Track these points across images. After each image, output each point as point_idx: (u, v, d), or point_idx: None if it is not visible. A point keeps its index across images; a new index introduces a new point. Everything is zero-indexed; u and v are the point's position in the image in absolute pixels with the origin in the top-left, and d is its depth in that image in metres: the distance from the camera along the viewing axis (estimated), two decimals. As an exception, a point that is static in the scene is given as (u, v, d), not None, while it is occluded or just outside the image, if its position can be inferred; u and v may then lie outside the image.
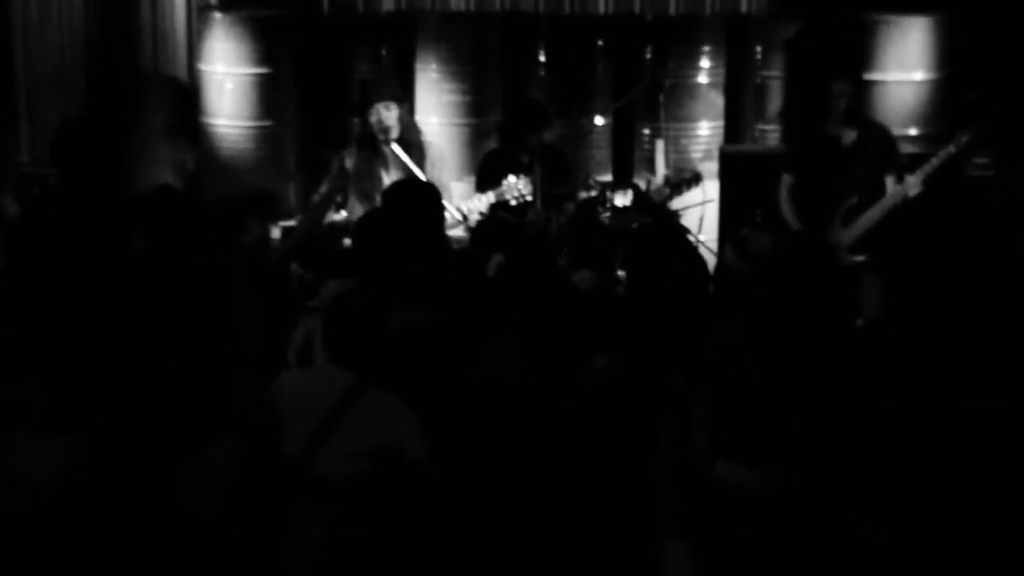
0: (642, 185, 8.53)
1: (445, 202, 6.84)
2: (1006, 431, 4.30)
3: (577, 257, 6.10)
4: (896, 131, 7.64)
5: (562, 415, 4.63)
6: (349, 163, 7.24)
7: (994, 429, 4.33)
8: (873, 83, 8.10)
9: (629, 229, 7.26)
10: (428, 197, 6.01)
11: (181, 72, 8.99)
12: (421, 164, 7.12)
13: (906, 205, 7.00)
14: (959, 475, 4.19)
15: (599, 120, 8.86)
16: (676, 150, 8.90)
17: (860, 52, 8.35)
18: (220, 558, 4.18)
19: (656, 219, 7.69)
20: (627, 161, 9.16)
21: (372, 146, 7.20)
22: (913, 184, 6.94)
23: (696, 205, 8.37)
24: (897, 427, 4.37)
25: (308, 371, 4.54)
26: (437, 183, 6.96)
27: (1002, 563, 3.96)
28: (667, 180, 8.55)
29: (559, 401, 4.66)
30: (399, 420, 4.33)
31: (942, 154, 6.94)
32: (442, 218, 6.04)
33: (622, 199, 7.57)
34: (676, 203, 8.30)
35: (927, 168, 6.91)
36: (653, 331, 5.12)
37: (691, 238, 7.93)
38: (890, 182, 7.09)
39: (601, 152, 9.09)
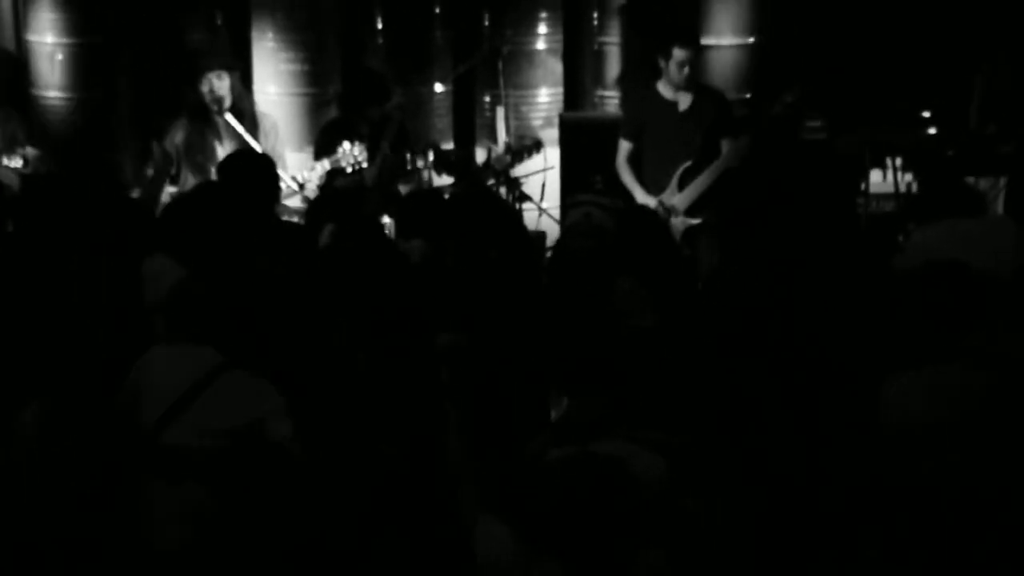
0: (482, 153, 8.43)
1: (281, 172, 6.70)
2: (833, 375, 4.42)
3: (406, 226, 5.94)
4: (730, 95, 7.63)
5: (413, 394, 4.56)
6: (181, 135, 7.02)
7: (823, 375, 4.45)
8: (707, 48, 8.02)
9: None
10: (263, 169, 5.83)
11: (8, 43, 8.56)
12: (255, 134, 6.99)
13: (739, 167, 6.95)
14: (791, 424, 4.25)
15: (439, 88, 8.77)
16: (517, 117, 8.83)
17: (696, 17, 8.31)
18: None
19: (460, 180, 7.63)
20: (468, 128, 9.08)
21: (204, 117, 7.02)
22: (742, 147, 6.89)
23: (538, 172, 8.26)
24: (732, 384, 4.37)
25: (175, 347, 4.35)
26: (272, 153, 6.86)
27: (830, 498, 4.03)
28: (508, 147, 8.43)
29: (405, 379, 4.59)
30: (262, 400, 4.23)
31: (768, 115, 6.90)
32: (277, 189, 5.87)
33: (422, 161, 7.51)
34: (518, 170, 8.17)
35: (754, 131, 6.88)
36: (483, 307, 5.01)
37: (529, 205, 7.84)
38: (724, 145, 7.04)
39: (442, 120, 8.97)
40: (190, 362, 4.27)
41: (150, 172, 7.12)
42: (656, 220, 6.13)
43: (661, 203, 6.98)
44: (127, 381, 4.35)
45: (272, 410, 4.21)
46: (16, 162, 7.22)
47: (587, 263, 5.40)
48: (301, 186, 6.82)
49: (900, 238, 7.12)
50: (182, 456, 4.15)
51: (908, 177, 8.03)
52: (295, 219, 6.79)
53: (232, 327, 4.36)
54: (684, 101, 7.09)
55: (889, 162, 8.10)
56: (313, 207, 6.50)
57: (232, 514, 4.13)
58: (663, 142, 7.11)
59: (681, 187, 7.02)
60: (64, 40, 8.26)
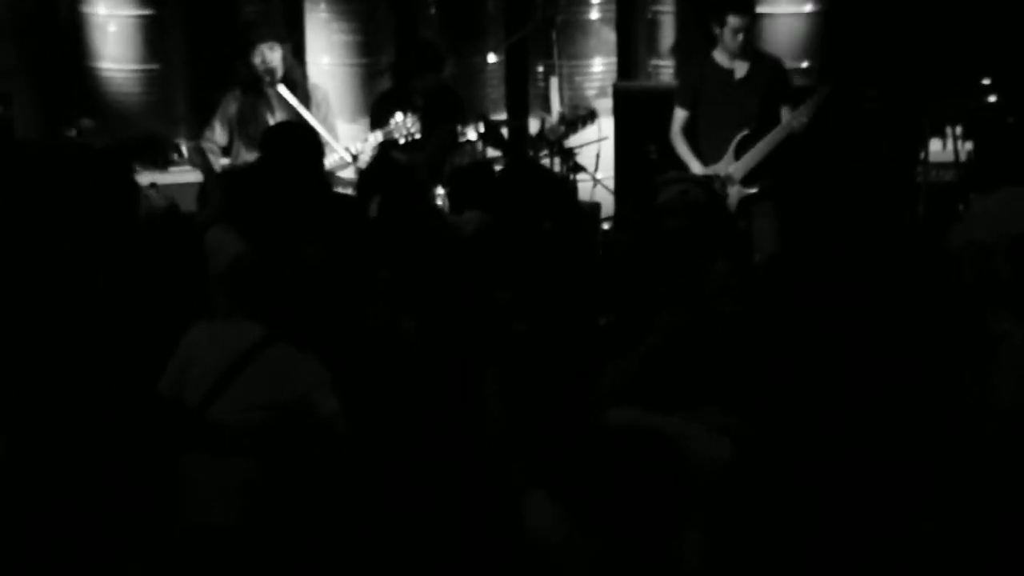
0: (536, 124, 8.35)
1: (333, 143, 6.66)
2: (900, 365, 4.31)
3: (459, 199, 5.89)
4: (788, 64, 7.46)
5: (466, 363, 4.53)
6: (233, 107, 7.01)
7: (889, 363, 4.35)
8: (763, 15, 7.89)
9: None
10: (305, 140, 5.79)
11: (63, 15, 8.55)
12: (307, 105, 6.96)
13: (797, 136, 6.84)
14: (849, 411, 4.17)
15: (492, 58, 8.68)
16: (570, 87, 8.74)
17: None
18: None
19: (507, 153, 7.53)
20: (522, 99, 8.99)
21: (256, 88, 7.01)
22: (800, 116, 6.79)
23: (592, 143, 8.18)
24: (793, 370, 4.30)
25: (220, 323, 4.34)
26: (324, 124, 6.86)
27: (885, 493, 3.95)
28: (562, 118, 8.36)
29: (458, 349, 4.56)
30: (307, 374, 4.17)
31: (819, 92, 6.79)
32: (321, 160, 5.82)
33: (473, 133, 7.40)
34: (572, 141, 8.09)
35: (814, 100, 6.76)
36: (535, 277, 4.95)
37: (582, 176, 7.76)
38: (784, 114, 6.92)
39: (495, 90, 8.89)
40: (235, 337, 4.21)
41: (204, 144, 7.07)
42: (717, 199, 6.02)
43: (716, 173, 6.87)
44: (173, 358, 4.29)
45: (318, 384, 4.16)
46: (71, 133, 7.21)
47: (683, 242, 5.30)
48: (355, 157, 6.76)
49: (960, 207, 7.02)
50: (228, 431, 4.11)
51: (968, 146, 7.88)
52: (348, 191, 6.78)
53: (282, 302, 4.30)
54: (741, 69, 6.97)
55: (949, 131, 7.95)
56: (363, 179, 6.46)
57: (279, 489, 4.09)
58: (719, 110, 7.00)
59: (738, 156, 6.90)
60: (117, 12, 8.24)
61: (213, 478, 4.09)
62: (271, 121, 6.89)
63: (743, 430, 3.76)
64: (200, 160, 6.76)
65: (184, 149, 7.81)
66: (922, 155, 7.85)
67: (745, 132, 6.88)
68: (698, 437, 3.56)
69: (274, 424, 4.09)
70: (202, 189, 6.34)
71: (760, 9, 7.66)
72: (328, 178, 6.43)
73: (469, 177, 6.33)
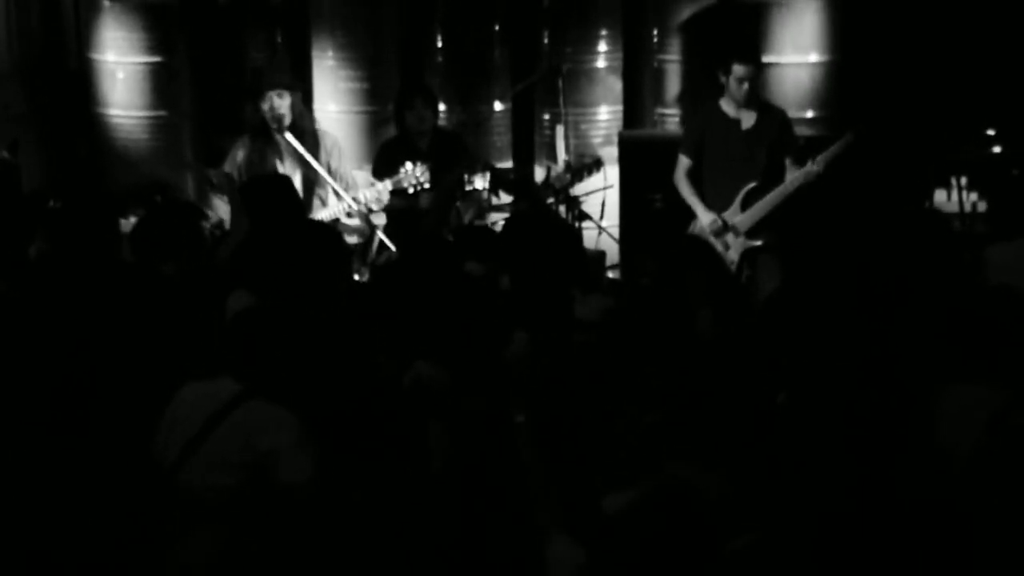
0: (542, 172, 8.39)
1: (341, 191, 6.67)
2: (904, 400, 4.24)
3: (464, 247, 5.90)
4: (792, 114, 7.50)
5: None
6: (242, 154, 6.99)
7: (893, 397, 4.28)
8: (769, 65, 7.93)
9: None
10: (278, 190, 5.80)
11: (71, 61, 8.62)
12: (315, 153, 6.90)
13: (805, 189, 6.85)
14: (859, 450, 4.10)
15: (498, 105, 8.74)
16: (576, 135, 8.76)
17: (757, 34, 8.23)
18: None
19: (519, 200, 7.56)
20: (528, 147, 9.03)
21: (265, 135, 6.96)
22: (814, 169, 6.80)
23: (597, 191, 8.19)
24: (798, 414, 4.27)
25: (206, 381, 4.20)
26: (333, 172, 6.86)
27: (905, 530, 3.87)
28: (568, 166, 8.37)
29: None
30: (275, 431, 3.91)
31: (842, 141, 6.79)
32: (300, 209, 5.81)
33: (481, 181, 7.41)
34: (577, 189, 8.12)
35: (828, 154, 6.77)
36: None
37: (588, 223, 7.79)
38: (788, 165, 6.94)
39: (501, 138, 8.94)
40: (212, 394, 4.02)
41: (215, 196, 7.10)
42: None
43: (722, 219, 6.88)
44: (163, 418, 4.13)
45: (286, 445, 3.89)
46: None
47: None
48: (370, 210, 6.80)
49: (968, 257, 7.01)
50: (194, 495, 3.91)
51: (973, 196, 7.89)
52: (355, 239, 6.80)
53: (262, 357, 4.07)
54: (747, 119, 6.98)
55: (954, 181, 7.97)
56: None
57: (248, 559, 3.85)
58: (725, 159, 7.00)
59: (744, 207, 6.91)
60: (126, 59, 8.30)
61: (186, 546, 3.90)
62: (280, 168, 6.88)
63: (724, 488, 3.73)
64: (229, 187, 6.74)
65: (213, 176, 7.79)
66: (927, 205, 7.86)
67: (753, 184, 6.90)
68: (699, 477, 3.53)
69: (244, 487, 3.87)
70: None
71: (765, 59, 7.70)
72: (333, 227, 6.44)
73: (471, 233, 6.34)
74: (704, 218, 6.97)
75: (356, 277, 6.06)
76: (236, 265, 5.24)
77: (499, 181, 7.62)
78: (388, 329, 4.82)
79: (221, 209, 6.73)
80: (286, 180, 6.02)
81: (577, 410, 4.43)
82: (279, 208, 5.62)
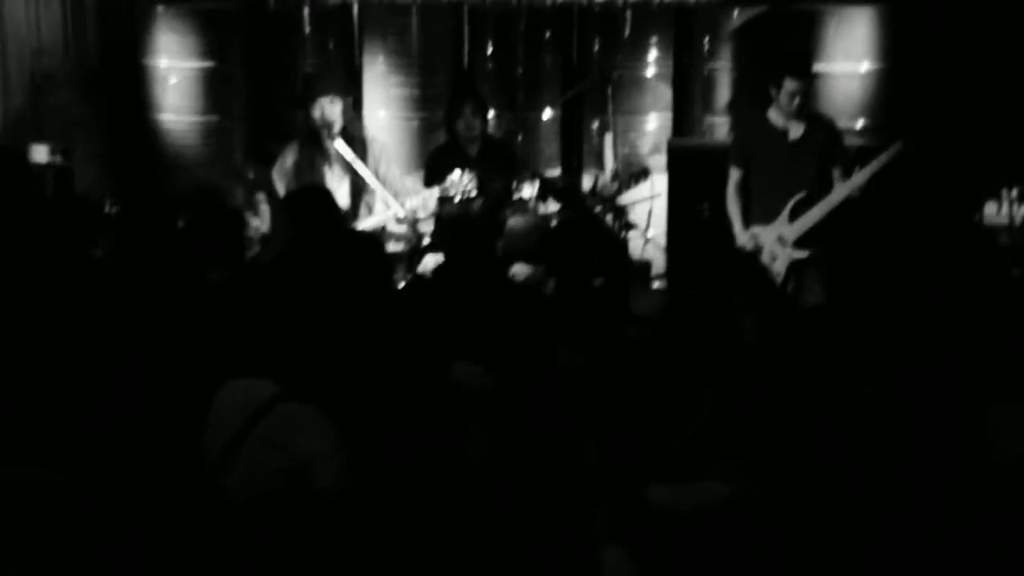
0: (590, 180, 8.38)
1: (389, 198, 6.70)
2: (949, 417, 4.22)
3: (511, 251, 5.93)
4: (842, 124, 7.47)
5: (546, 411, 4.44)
6: (291, 159, 7.02)
7: (937, 416, 4.26)
8: (819, 75, 7.90)
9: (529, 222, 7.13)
10: (320, 202, 5.83)
11: (124, 66, 8.68)
12: (364, 159, 6.93)
13: (852, 201, 6.81)
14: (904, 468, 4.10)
15: (547, 113, 8.72)
16: (625, 144, 8.77)
17: (808, 43, 8.19)
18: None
19: (567, 208, 7.54)
20: (576, 155, 9.01)
21: (315, 142, 6.99)
22: (859, 181, 6.76)
23: (644, 200, 8.18)
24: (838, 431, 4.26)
25: (241, 381, 4.19)
26: (382, 178, 6.87)
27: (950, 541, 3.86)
28: (615, 175, 8.36)
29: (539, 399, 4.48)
30: (310, 437, 3.82)
31: (888, 152, 6.73)
32: (341, 220, 5.84)
33: (529, 190, 7.39)
34: (624, 198, 8.11)
35: (873, 166, 6.74)
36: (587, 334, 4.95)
37: (634, 233, 7.75)
38: (836, 176, 6.91)
39: (550, 146, 8.93)
40: (248, 395, 3.95)
41: (260, 200, 7.14)
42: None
43: (756, 240, 6.87)
44: (208, 418, 4.07)
45: (321, 452, 3.80)
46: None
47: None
48: (417, 218, 6.85)
49: (1017, 272, 6.96)
50: (234, 496, 3.86)
51: (1024, 209, 7.85)
52: (401, 246, 6.82)
53: (298, 355, 4.03)
54: (795, 130, 6.95)
55: (1004, 193, 7.90)
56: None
57: (280, 561, 3.75)
58: (773, 171, 6.98)
59: (792, 218, 6.89)
60: (178, 64, 8.35)
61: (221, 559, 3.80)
62: (328, 174, 6.93)
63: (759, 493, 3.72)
64: (267, 187, 6.81)
65: (252, 172, 7.84)
66: (977, 218, 7.81)
67: (801, 195, 6.88)
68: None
69: (281, 490, 3.80)
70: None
71: (816, 68, 7.65)
72: (375, 236, 6.48)
73: (523, 234, 6.35)
74: (740, 236, 6.99)
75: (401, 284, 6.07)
76: (277, 271, 5.28)
77: (547, 189, 7.62)
78: (430, 332, 4.83)
79: (267, 214, 6.75)
80: (327, 192, 6.05)
81: (632, 410, 4.44)
82: (321, 219, 5.64)
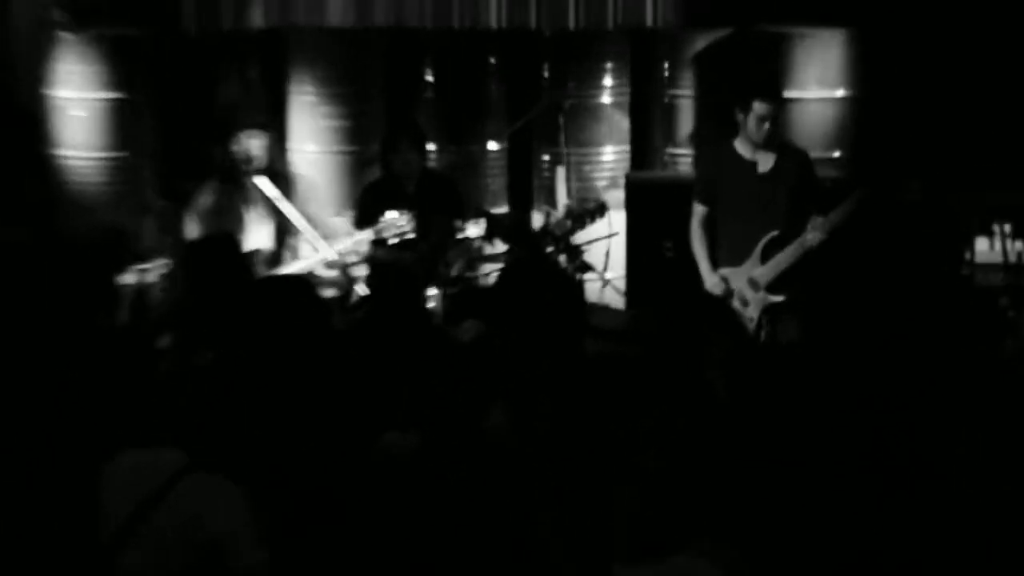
0: (540, 217, 8.29)
1: (316, 241, 6.59)
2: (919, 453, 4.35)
3: (459, 305, 5.82)
4: (815, 154, 7.39)
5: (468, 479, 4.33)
6: (208, 199, 6.94)
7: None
8: (790, 101, 7.83)
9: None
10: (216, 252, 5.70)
11: (24, 98, 8.52)
12: (290, 198, 6.89)
13: (812, 250, 6.70)
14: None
15: (493, 145, 8.74)
16: (579, 178, 8.75)
17: (778, 67, 8.16)
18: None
19: (516, 248, 7.50)
20: (525, 191, 9.03)
21: (235, 179, 6.93)
22: (818, 229, 6.66)
23: (602, 239, 8.07)
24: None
25: (144, 451, 4.08)
26: (310, 219, 6.85)
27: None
28: (569, 211, 8.26)
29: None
30: (222, 513, 3.82)
31: (850, 200, 6.62)
32: (241, 268, 5.73)
33: (474, 229, 7.29)
34: (580, 237, 7.98)
35: (834, 216, 6.62)
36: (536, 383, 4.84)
37: (592, 275, 7.68)
38: (810, 212, 6.79)
39: (496, 181, 8.94)
40: (150, 466, 3.93)
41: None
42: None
43: (727, 282, 6.76)
44: (99, 492, 4.01)
45: (235, 528, 3.82)
46: None
47: None
48: (348, 263, 6.80)
49: (1011, 314, 6.88)
50: None
51: (1019, 245, 7.75)
52: (332, 292, 6.70)
53: (209, 422, 4.01)
54: (765, 161, 6.83)
55: (997, 228, 7.83)
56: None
57: None
58: (740, 206, 6.86)
59: (764, 259, 6.77)
60: (83, 95, 8.23)
61: None
62: (249, 216, 6.87)
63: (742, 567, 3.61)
64: (171, 226, 6.72)
65: (155, 205, 7.72)
66: (968, 255, 7.73)
67: (773, 233, 6.76)
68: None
69: (192, 570, 3.79)
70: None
71: (787, 94, 7.58)
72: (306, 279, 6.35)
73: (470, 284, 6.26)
74: (708, 280, 6.87)
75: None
76: (173, 321, 5.17)
77: (494, 228, 7.48)
78: (358, 396, 4.74)
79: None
80: (231, 241, 5.91)
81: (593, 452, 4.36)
82: (218, 271, 5.49)
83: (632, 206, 8.12)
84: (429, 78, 8.85)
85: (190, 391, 4.06)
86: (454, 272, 7.25)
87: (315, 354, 4.91)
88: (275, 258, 6.80)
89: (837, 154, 8.19)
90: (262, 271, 6.56)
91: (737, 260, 6.84)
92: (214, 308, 4.95)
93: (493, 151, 8.75)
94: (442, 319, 6.44)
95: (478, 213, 7.54)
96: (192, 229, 6.93)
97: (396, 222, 6.76)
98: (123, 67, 8.30)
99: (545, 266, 7.22)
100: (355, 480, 4.29)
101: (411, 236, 6.82)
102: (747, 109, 6.77)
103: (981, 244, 7.87)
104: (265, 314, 4.77)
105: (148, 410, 4.35)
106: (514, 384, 5.10)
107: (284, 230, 6.85)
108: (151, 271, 6.90)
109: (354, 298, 6.79)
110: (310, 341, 4.91)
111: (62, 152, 8.29)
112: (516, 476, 4.51)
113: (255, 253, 6.71)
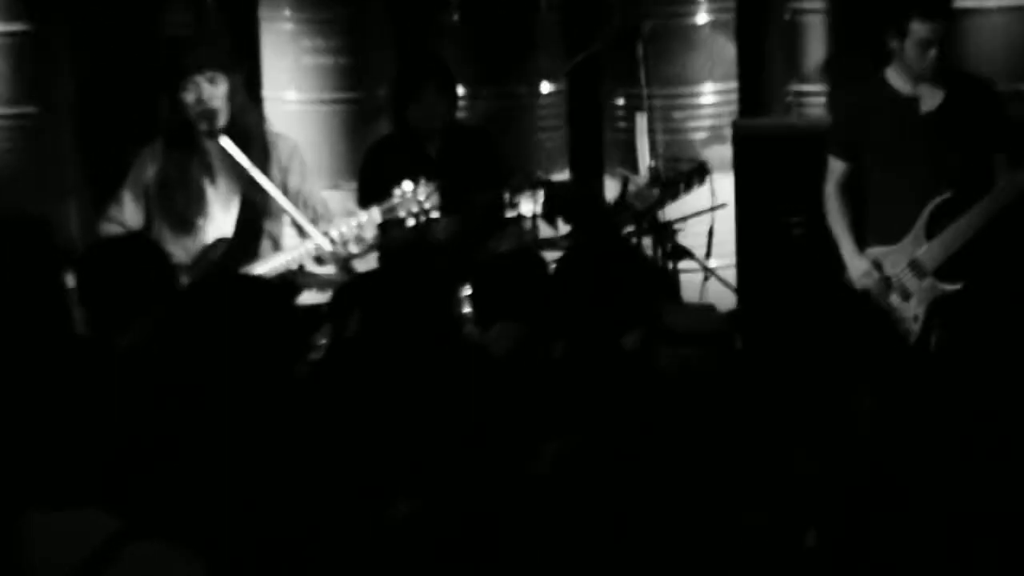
0: (616, 185, 8.31)
1: (307, 224, 6.67)
2: None
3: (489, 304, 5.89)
4: (1004, 86, 7.48)
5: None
6: (152, 169, 7.01)
7: None
8: (966, 12, 7.88)
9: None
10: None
11: None
12: (265, 167, 6.90)
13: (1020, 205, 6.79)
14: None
15: (546, 87, 8.84)
16: (668, 129, 8.84)
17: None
18: None
19: (583, 230, 7.55)
20: (594, 149, 9.11)
21: (188, 141, 6.98)
22: (1009, 188, 6.78)
23: (702, 213, 8.13)
24: None
25: (62, 514, 4.12)
26: (294, 194, 6.91)
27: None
28: (655, 176, 8.30)
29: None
30: None
31: None
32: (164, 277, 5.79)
33: (528, 204, 7.40)
34: (672, 211, 8.04)
35: None
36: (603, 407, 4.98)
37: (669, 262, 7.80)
38: (1000, 168, 6.84)
39: (553, 137, 9.02)
40: (73, 533, 4.02)
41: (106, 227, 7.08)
42: None
43: (881, 270, 6.79)
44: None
45: None
46: None
47: None
48: (350, 254, 6.80)
49: None
50: None
51: None
52: (326, 296, 6.75)
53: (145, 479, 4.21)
54: (931, 98, 6.94)
55: None
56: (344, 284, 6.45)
57: None
58: (897, 161, 6.98)
59: (931, 233, 6.86)
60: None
61: None
62: (209, 189, 6.94)
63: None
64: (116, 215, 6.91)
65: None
66: None
67: (944, 197, 6.83)
68: None
69: None
70: None
71: (961, 3, 7.64)
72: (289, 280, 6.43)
73: (505, 272, 6.30)
74: (854, 267, 6.99)
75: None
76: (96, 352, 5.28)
77: (552, 202, 7.55)
78: (352, 442, 4.85)
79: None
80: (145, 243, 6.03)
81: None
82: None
83: (743, 167, 8.19)
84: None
85: (122, 438, 4.14)
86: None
87: (296, 386, 5.03)
88: (245, 249, 6.87)
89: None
90: (229, 267, 6.64)
91: (894, 236, 6.95)
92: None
93: (547, 95, 8.87)
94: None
95: (530, 182, 7.61)
96: (131, 212, 7.02)
97: (415, 196, 6.78)
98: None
99: (624, 251, 7.30)
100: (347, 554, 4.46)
101: (436, 215, 6.88)
102: (903, 31, 6.86)
103: None
104: (221, 336, 4.88)
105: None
106: (572, 412, 5.20)
107: (257, 211, 6.92)
108: None
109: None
110: (284, 368, 5.03)
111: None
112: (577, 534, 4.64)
113: (218, 244, 6.80)
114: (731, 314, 6.50)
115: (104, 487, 4.10)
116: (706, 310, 6.24)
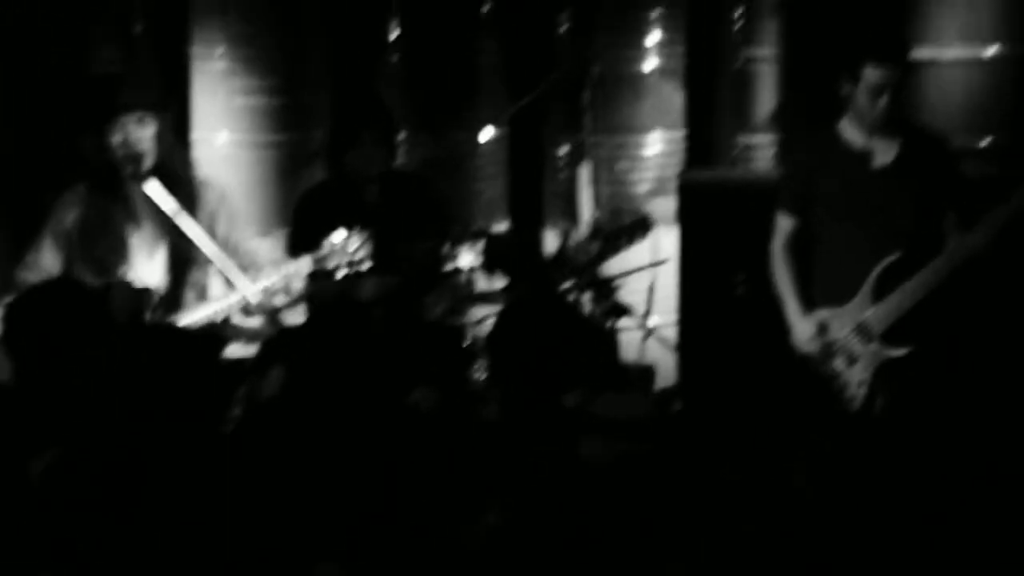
0: (555, 238, 8.33)
1: (233, 275, 6.71)
2: None
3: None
4: (958, 141, 7.52)
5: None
6: (74, 213, 6.98)
7: None
8: (921, 65, 7.94)
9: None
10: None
11: None
12: (194, 213, 6.90)
13: (971, 268, 6.78)
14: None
15: (486, 134, 8.82)
16: (611, 180, 8.89)
17: (901, 18, 8.27)
18: None
19: (519, 284, 7.54)
20: (533, 199, 9.13)
21: (112, 185, 6.95)
22: (960, 249, 6.77)
23: (643, 269, 8.11)
24: None
25: None
26: (223, 242, 6.93)
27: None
28: (597, 228, 8.32)
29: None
30: None
31: (1007, 206, 6.70)
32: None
33: (467, 256, 7.38)
34: (612, 266, 8.05)
35: (984, 229, 6.71)
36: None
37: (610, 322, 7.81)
38: (951, 229, 6.84)
39: (492, 186, 9.02)
40: None
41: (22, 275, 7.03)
42: None
43: (826, 331, 6.81)
44: None
45: None
46: None
47: None
48: (275, 309, 6.80)
49: None
50: None
51: None
52: (251, 350, 6.73)
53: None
54: (883, 153, 6.93)
55: None
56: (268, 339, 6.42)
57: None
58: (848, 217, 6.96)
59: (879, 295, 6.84)
60: None
61: None
62: (131, 237, 6.91)
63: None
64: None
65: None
66: None
67: (892, 257, 6.82)
68: None
69: None
70: None
71: (916, 55, 7.67)
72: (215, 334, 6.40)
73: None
74: (799, 330, 6.98)
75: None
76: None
77: (490, 254, 7.54)
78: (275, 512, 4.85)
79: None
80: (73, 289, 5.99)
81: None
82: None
83: (688, 221, 8.15)
84: (395, 33, 8.96)
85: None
86: (434, 318, 7.31)
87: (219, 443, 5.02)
88: (171, 299, 6.83)
89: (987, 141, 8.22)
90: (152, 319, 6.60)
91: (842, 295, 6.92)
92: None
93: (486, 141, 8.86)
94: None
95: (467, 232, 7.59)
96: (50, 259, 6.97)
97: (348, 245, 6.79)
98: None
99: (561, 309, 7.31)
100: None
101: (370, 265, 6.84)
102: (856, 76, 6.86)
103: None
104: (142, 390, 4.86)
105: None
106: (507, 483, 5.23)
107: (184, 260, 6.89)
108: None
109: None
110: (207, 425, 5.02)
111: None
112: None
113: (143, 294, 6.75)
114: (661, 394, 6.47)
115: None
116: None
